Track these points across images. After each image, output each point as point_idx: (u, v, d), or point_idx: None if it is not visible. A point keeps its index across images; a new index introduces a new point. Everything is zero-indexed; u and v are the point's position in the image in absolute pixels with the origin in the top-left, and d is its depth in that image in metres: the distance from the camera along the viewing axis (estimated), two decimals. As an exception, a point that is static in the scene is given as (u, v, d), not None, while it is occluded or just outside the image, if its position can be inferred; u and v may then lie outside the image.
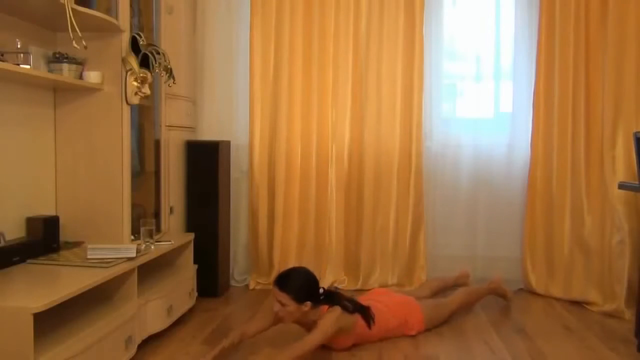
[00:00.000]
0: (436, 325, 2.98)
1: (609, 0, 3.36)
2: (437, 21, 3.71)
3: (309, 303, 2.53)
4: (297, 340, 2.49)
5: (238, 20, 3.78)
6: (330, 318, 2.53)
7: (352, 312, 2.63)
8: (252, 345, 2.70)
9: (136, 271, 2.48)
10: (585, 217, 3.45)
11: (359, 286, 3.69)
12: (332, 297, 2.65)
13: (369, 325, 2.68)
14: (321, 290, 2.62)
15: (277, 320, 2.61)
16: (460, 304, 3.14)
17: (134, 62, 2.70)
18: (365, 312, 2.69)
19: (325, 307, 2.61)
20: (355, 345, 2.71)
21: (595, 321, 3.14)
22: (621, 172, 3.31)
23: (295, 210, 3.73)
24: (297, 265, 3.70)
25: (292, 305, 2.51)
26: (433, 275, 3.72)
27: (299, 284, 2.55)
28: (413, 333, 2.86)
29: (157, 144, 3.17)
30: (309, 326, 2.60)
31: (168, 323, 2.79)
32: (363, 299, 2.87)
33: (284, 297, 2.51)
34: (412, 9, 3.62)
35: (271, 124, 3.71)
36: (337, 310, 2.57)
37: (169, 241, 2.97)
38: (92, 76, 2.65)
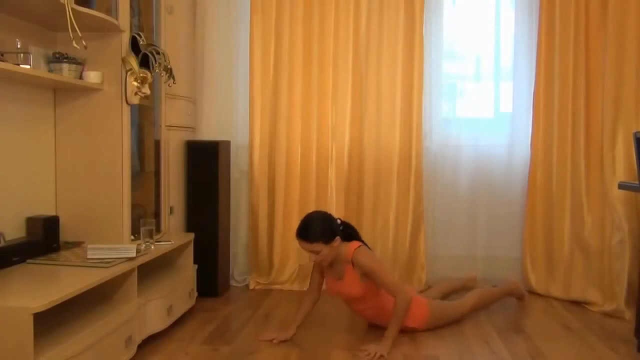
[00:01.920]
0: (440, 326, 2.97)
1: (608, 0, 3.36)
2: (437, 21, 3.71)
3: (338, 238, 2.67)
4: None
5: (238, 20, 3.78)
6: (370, 257, 2.72)
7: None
8: (252, 345, 2.70)
9: (136, 271, 2.48)
10: (585, 217, 3.45)
11: (359, 286, 3.69)
12: (350, 227, 2.82)
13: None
14: (339, 222, 2.76)
15: (317, 265, 2.82)
16: (474, 306, 3.13)
17: (134, 62, 2.70)
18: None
19: (352, 244, 2.74)
20: (361, 306, 2.82)
21: (595, 321, 3.14)
22: (621, 172, 3.31)
23: (295, 210, 3.73)
24: (297, 263, 3.72)
25: (324, 249, 2.64)
26: (433, 276, 3.73)
27: (321, 228, 2.67)
28: (414, 326, 2.85)
29: (157, 144, 3.17)
30: (337, 265, 2.75)
31: (168, 323, 2.79)
32: None
33: (316, 246, 2.63)
34: (412, 9, 3.62)
35: (271, 124, 3.70)
36: (362, 247, 2.74)
37: (169, 241, 2.97)
38: (92, 76, 2.65)
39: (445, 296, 3.30)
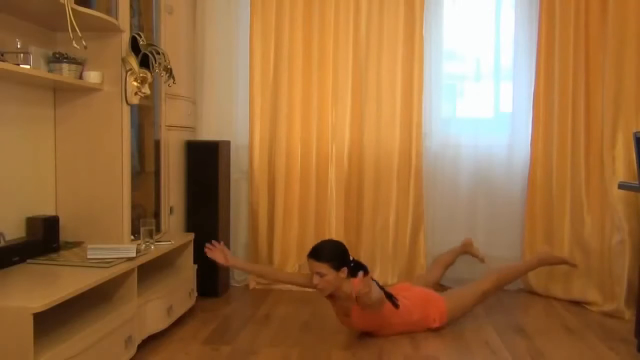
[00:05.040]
0: (464, 314, 3.00)
1: (608, 0, 3.36)
2: (437, 21, 3.71)
3: (345, 269, 2.67)
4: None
5: (238, 20, 3.79)
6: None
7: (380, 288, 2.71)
8: (252, 345, 2.70)
9: (136, 271, 2.48)
10: (585, 217, 3.45)
11: (359, 286, 3.69)
12: (362, 267, 2.75)
13: (396, 305, 2.72)
14: (351, 258, 2.74)
15: (313, 287, 2.72)
16: (495, 285, 3.04)
17: (134, 62, 2.70)
18: (390, 296, 2.74)
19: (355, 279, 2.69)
20: (376, 336, 2.79)
21: (595, 321, 3.14)
22: (621, 172, 3.31)
23: (295, 210, 3.73)
24: (296, 263, 3.73)
25: (330, 274, 2.64)
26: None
27: (334, 252, 2.70)
28: (436, 325, 2.89)
29: (157, 144, 3.17)
30: (342, 301, 2.71)
31: (168, 323, 2.79)
32: None
33: (323, 267, 2.63)
34: (412, 8, 3.62)
35: (271, 124, 3.71)
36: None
37: (169, 241, 2.97)
38: (92, 76, 2.65)
39: (447, 267, 3.34)
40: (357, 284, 2.42)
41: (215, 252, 2.86)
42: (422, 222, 3.72)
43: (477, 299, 3.02)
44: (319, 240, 3.67)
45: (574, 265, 3.29)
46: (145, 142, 3.11)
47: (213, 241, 2.89)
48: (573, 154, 3.50)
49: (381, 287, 2.76)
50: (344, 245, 2.80)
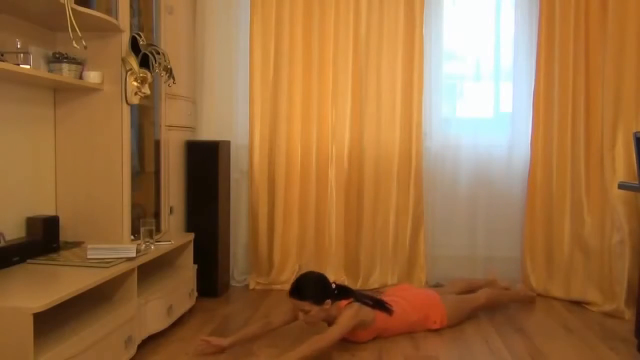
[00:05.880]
0: (461, 321, 3.02)
1: (608, 0, 3.36)
2: (437, 21, 3.71)
3: (328, 301, 2.64)
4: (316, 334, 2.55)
5: (238, 20, 3.78)
6: (348, 313, 2.63)
7: (370, 305, 2.72)
8: (252, 345, 2.70)
9: (136, 271, 2.48)
10: (585, 217, 3.45)
11: (358, 286, 3.69)
12: (346, 291, 2.75)
13: (390, 313, 2.74)
14: (333, 286, 2.71)
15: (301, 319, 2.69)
16: (487, 300, 3.16)
17: (134, 62, 2.70)
18: (382, 305, 2.76)
19: (344, 301, 2.70)
20: (377, 338, 2.79)
21: (595, 321, 3.14)
22: (621, 172, 3.31)
23: (295, 210, 3.73)
24: (297, 264, 3.73)
25: (314, 309, 2.60)
26: (433, 275, 3.74)
27: (313, 287, 2.64)
28: (437, 327, 2.91)
29: (157, 144, 3.17)
30: (332, 323, 2.69)
31: (168, 323, 2.79)
32: (386, 294, 2.97)
33: (305, 305, 2.60)
34: (412, 8, 3.62)
35: (271, 124, 3.70)
36: (355, 305, 2.67)
37: (169, 241, 2.97)
38: (92, 76, 2.65)
39: (460, 293, 3.30)
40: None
41: (210, 348, 2.62)
42: (422, 222, 3.72)
43: (471, 310, 3.11)
44: (315, 243, 3.73)
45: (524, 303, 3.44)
46: (145, 142, 3.11)
47: (200, 339, 2.65)
48: (573, 154, 3.50)
49: (371, 297, 2.77)
50: (323, 277, 2.71)
